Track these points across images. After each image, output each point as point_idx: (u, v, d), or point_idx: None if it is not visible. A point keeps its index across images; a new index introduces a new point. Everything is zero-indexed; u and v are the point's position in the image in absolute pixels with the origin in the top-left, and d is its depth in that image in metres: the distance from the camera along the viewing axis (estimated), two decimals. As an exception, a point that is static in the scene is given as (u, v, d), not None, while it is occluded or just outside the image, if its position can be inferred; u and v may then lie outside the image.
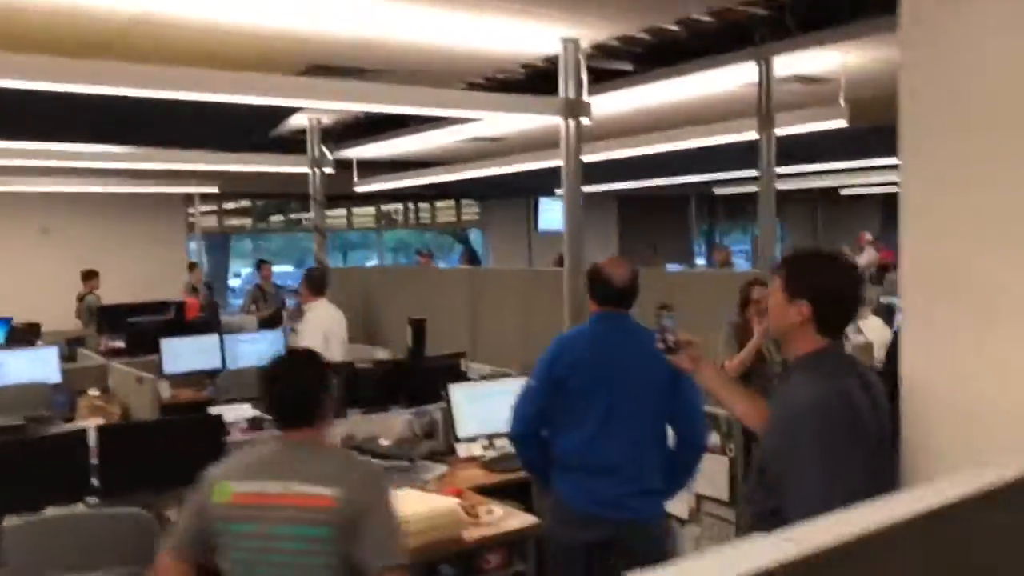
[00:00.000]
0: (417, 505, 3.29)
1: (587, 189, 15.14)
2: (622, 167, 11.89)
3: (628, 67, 6.30)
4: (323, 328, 5.45)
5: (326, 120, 7.59)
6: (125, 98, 4.05)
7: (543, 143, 8.18)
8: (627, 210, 15.64)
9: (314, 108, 6.18)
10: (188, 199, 11.20)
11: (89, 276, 9.81)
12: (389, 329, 8.54)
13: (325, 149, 7.31)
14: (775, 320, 2.06)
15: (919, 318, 2.06)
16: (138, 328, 6.88)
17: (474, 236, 15.61)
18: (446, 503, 3.30)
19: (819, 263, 2.07)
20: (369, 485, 2.21)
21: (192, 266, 11.34)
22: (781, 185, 13.87)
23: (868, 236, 12.66)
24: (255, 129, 6.25)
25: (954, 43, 1.83)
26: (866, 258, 12.52)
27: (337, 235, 15.27)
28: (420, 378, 4.77)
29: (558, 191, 15.44)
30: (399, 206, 14.85)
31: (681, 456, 3.00)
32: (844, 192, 15.09)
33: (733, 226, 20.07)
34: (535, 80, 6.90)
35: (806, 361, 2.01)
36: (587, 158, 7.70)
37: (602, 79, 6.59)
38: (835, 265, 2.06)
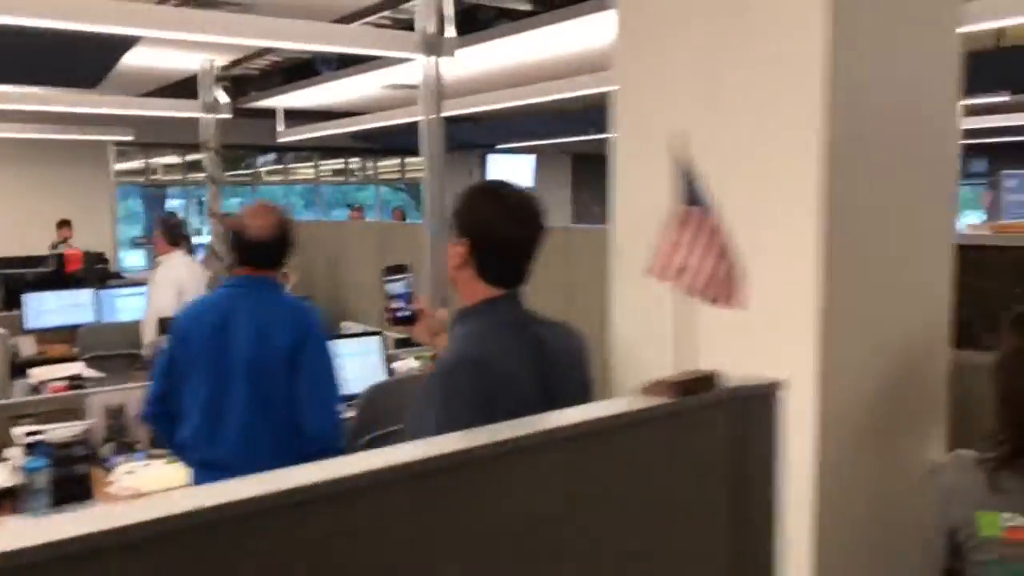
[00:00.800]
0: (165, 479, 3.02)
1: (539, 144, 14.77)
2: (570, 121, 11.50)
3: (526, 7, 5.90)
4: (176, 282, 5.10)
5: (222, 62, 7.16)
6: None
7: (472, 90, 7.80)
8: (581, 167, 15.25)
9: (155, 39, 5.78)
10: (120, 148, 10.80)
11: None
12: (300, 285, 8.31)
13: (222, 93, 6.89)
14: (448, 264, 1.73)
15: (618, 270, 1.76)
16: (11, 281, 6.54)
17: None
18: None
19: (482, 196, 1.72)
20: None
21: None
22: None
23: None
24: (89, 65, 5.83)
25: (659, 32, 1.56)
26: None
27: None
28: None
29: (502, 146, 14.96)
30: (340, 162, 14.53)
31: (308, 453, 2.48)
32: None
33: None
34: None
35: (464, 315, 1.69)
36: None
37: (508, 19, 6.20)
38: (499, 198, 1.69)
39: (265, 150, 13.28)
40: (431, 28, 4.43)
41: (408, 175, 15.04)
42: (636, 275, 1.74)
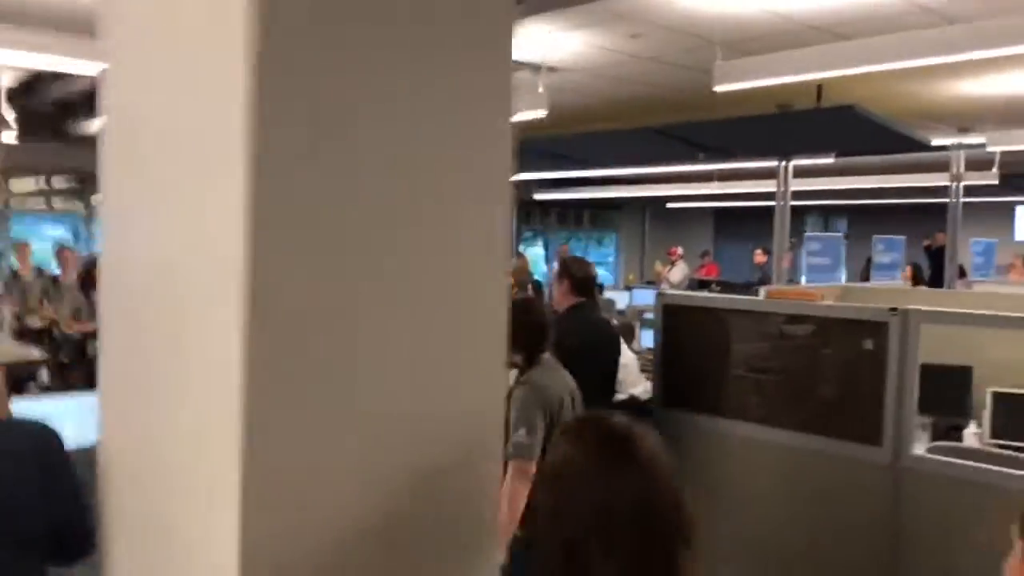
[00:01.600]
0: None
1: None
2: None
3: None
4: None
5: (7, 81, 6.61)
6: None
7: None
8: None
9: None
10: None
11: None
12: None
13: (10, 113, 6.32)
14: None
15: (114, 370, 1.43)
16: None
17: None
18: None
19: None
20: None
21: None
22: (612, 193, 13.51)
23: (679, 251, 12.24)
24: None
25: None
26: (677, 273, 12.12)
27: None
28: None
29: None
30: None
31: None
32: (670, 205, 14.82)
33: (595, 234, 18.68)
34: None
35: None
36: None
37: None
38: None
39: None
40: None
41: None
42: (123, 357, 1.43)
